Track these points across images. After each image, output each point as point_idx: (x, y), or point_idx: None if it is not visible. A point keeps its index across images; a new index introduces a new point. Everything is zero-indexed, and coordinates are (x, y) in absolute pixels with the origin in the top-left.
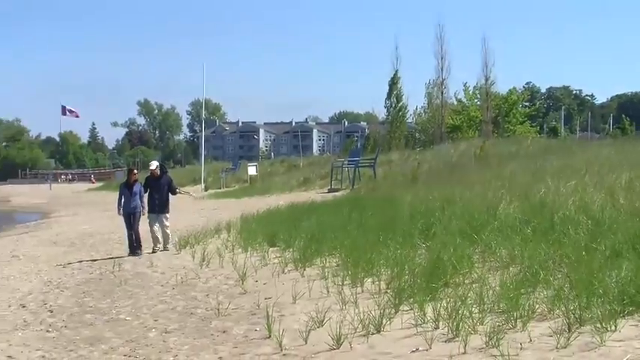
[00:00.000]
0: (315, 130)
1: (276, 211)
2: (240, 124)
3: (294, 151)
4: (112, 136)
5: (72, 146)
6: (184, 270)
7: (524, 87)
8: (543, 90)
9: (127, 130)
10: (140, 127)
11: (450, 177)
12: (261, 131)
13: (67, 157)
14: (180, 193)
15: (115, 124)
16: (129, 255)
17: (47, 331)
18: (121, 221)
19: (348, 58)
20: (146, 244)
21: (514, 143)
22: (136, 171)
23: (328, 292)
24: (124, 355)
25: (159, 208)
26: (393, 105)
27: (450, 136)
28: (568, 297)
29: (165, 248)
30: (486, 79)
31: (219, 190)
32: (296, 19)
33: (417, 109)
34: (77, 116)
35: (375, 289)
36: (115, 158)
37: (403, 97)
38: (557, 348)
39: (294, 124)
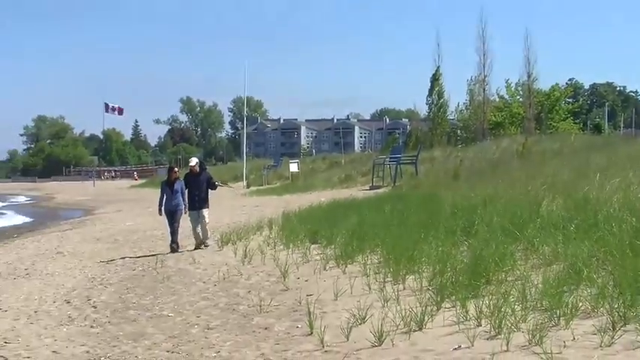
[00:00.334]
0: (356, 127)
1: (317, 208)
2: (281, 121)
3: (335, 148)
4: (154, 134)
5: (115, 143)
6: (226, 267)
7: (566, 83)
8: (587, 86)
9: (169, 127)
10: (182, 125)
11: (492, 174)
12: (303, 128)
13: (110, 154)
14: (220, 186)
15: (157, 122)
16: (171, 252)
17: (91, 326)
18: (163, 218)
19: (390, 54)
20: (188, 240)
21: (557, 140)
22: (176, 169)
23: (370, 289)
24: (167, 351)
25: (199, 204)
26: (435, 102)
27: (492, 133)
28: (612, 295)
29: (204, 244)
30: (529, 76)
31: (260, 187)
32: (337, 17)
33: (458, 105)
34: (120, 113)
35: (417, 287)
36: (157, 155)
37: (445, 93)
38: (601, 346)
39: (335, 121)
